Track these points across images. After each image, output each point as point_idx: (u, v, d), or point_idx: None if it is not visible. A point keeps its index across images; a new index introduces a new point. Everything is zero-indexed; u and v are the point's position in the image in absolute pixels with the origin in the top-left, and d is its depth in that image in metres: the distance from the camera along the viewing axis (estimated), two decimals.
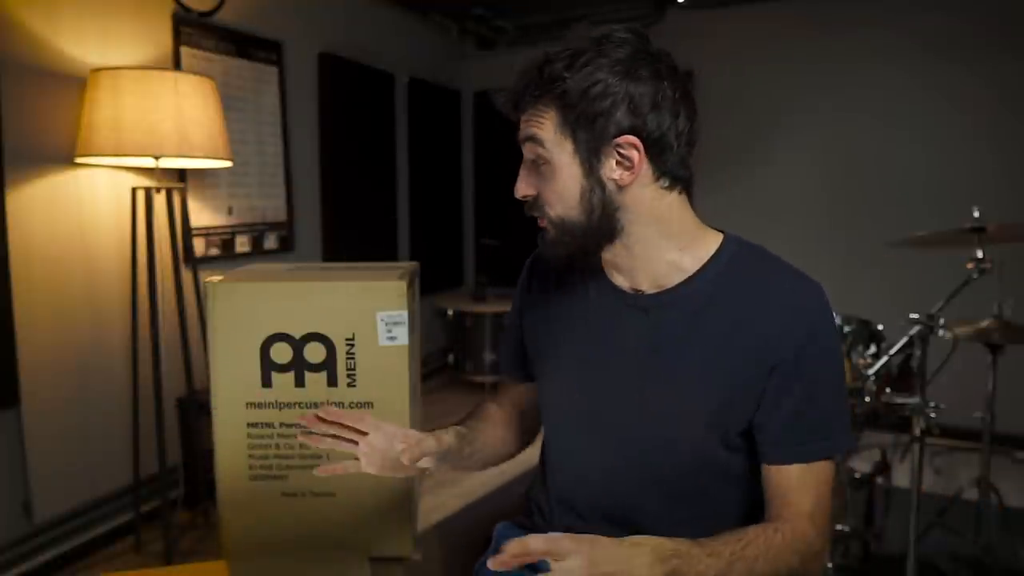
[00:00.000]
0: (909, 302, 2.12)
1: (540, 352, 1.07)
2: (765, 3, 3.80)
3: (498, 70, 4.64)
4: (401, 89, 4.06)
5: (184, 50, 2.67)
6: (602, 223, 0.89)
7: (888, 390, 1.98)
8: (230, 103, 2.75)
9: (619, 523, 0.97)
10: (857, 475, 2.22)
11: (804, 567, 0.86)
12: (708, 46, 4.00)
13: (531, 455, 1.18)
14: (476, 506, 1.31)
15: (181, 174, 2.68)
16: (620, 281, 0.97)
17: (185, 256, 2.47)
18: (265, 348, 1.18)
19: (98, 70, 2.11)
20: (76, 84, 2.24)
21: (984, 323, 2.17)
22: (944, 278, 1.97)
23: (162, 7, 2.59)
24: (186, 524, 2.55)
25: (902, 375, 2.02)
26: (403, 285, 1.17)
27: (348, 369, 1.19)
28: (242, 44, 2.94)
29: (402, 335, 1.17)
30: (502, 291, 4.54)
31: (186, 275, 2.47)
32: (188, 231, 2.48)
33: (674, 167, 0.89)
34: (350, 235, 3.67)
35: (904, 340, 1.90)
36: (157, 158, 2.19)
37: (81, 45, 2.29)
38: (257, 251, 3.09)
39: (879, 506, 2.34)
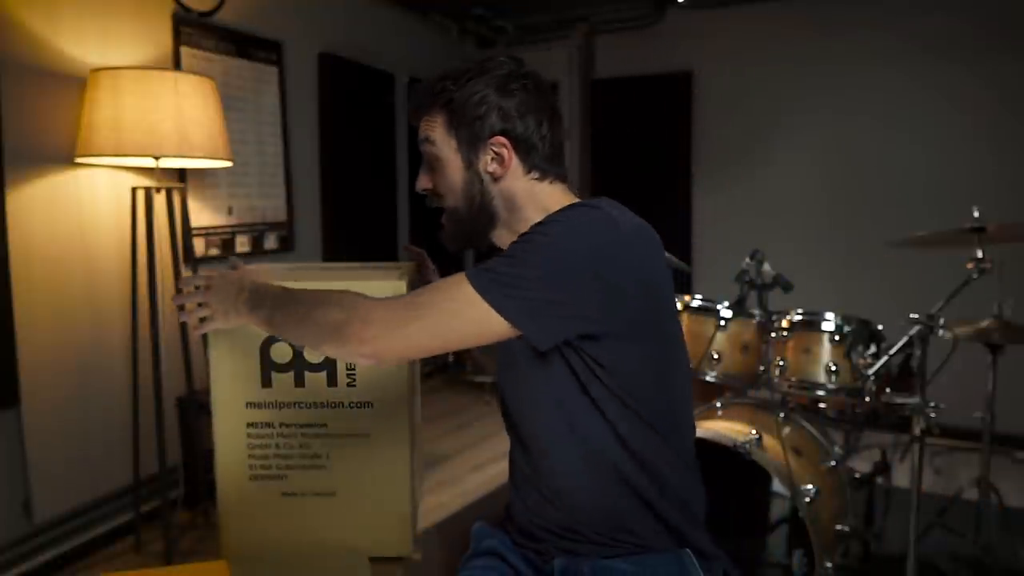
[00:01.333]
0: (909, 302, 2.12)
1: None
2: (765, 3, 3.80)
3: None
4: (401, 89, 4.06)
5: (184, 50, 2.67)
6: (482, 210, 1.06)
7: (888, 390, 1.98)
8: (230, 103, 2.75)
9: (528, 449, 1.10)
10: (857, 475, 2.22)
11: (340, 322, 0.93)
12: (708, 46, 4.00)
13: None
14: (476, 506, 1.31)
15: (181, 174, 2.68)
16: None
17: (185, 256, 2.47)
18: (265, 348, 1.18)
19: (98, 70, 2.11)
20: (76, 84, 2.24)
21: (984, 323, 2.18)
22: (944, 278, 1.96)
23: (162, 7, 2.59)
24: (186, 524, 2.55)
25: (902, 375, 2.02)
26: (403, 285, 1.17)
27: (348, 369, 1.19)
28: (242, 44, 2.94)
29: None
30: None
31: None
32: (188, 231, 2.48)
33: (541, 163, 1.05)
34: (350, 235, 3.67)
35: (904, 340, 1.90)
36: (157, 158, 2.19)
37: (81, 45, 2.29)
38: (257, 251, 3.09)
39: (879, 506, 2.34)
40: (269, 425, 1.20)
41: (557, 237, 0.92)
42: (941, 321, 1.83)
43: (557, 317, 0.91)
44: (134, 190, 2.33)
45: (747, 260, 2.05)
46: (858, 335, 2.05)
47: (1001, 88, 3.33)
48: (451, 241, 1.13)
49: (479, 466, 3.13)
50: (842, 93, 3.68)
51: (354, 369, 1.19)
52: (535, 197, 1.06)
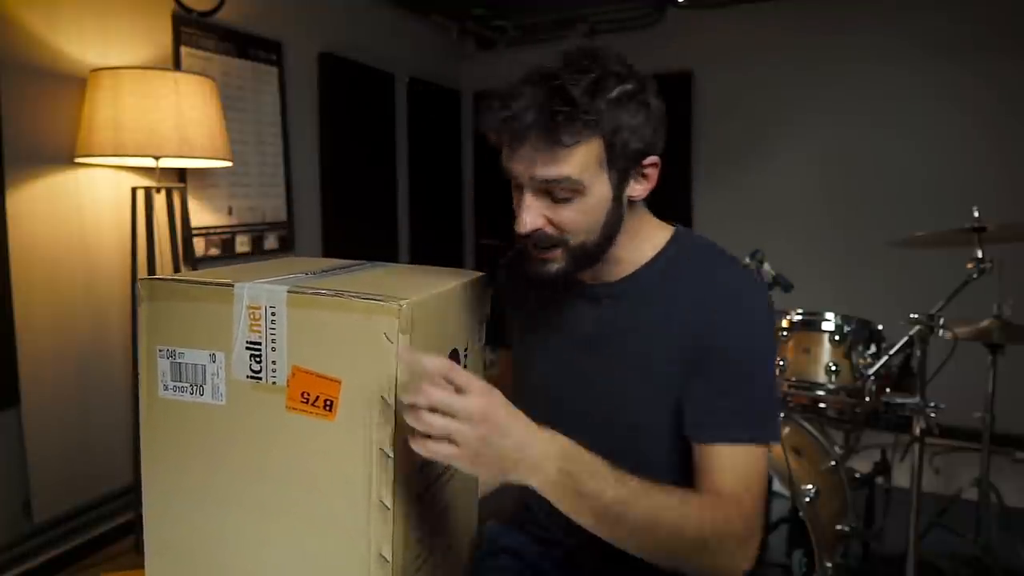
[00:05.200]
0: (909, 302, 2.11)
1: (515, 341, 1.13)
2: (765, 3, 3.80)
3: (498, 70, 4.65)
4: (401, 89, 4.06)
5: (184, 50, 2.67)
6: (613, 238, 0.93)
7: (888, 390, 1.98)
8: (230, 103, 2.75)
9: None
10: (857, 475, 2.22)
11: (720, 544, 0.83)
12: (708, 46, 4.00)
13: None
14: (482, 503, 1.30)
15: (181, 174, 2.68)
16: (581, 274, 1.00)
17: (185, 256, 2.47)
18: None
19: (98, 70, 2.11)
20: (76, 84, 2.23)
21: (984, 323, 2.18)
22: (944, 278, 1.97)
23: (162, 7, 2.59)
24: None
25: (902, 375, 2.02)
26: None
27: None
28: (242, 44, 2.94)
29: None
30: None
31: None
32: (188, 231, 2.48)
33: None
34: (350, 235, 3.67)
35: (904, 340, 1.90)
36: (157, 158, 2.19)
37: (81, 45, 2.28)
38: (257, 251, 3.09)
39: (879, 506, 2.34)
40: (427, 490, 0.90)
41: (764, 334, 0.93)
42: (941, 321, 1.83)
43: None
44: (134, 190, 2.33)
45: (747, 260, 2.05)
46: (858, 335, 2.05)
47: (1001, 88, 3.33)
48: (560, 278, 0.93)
49: None
50: (842, 93, 3.68)
51: None
52: (636, 221, 0.97)
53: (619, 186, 0.90)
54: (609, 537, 0.80)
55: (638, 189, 0.92)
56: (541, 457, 0.76)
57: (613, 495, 0.78)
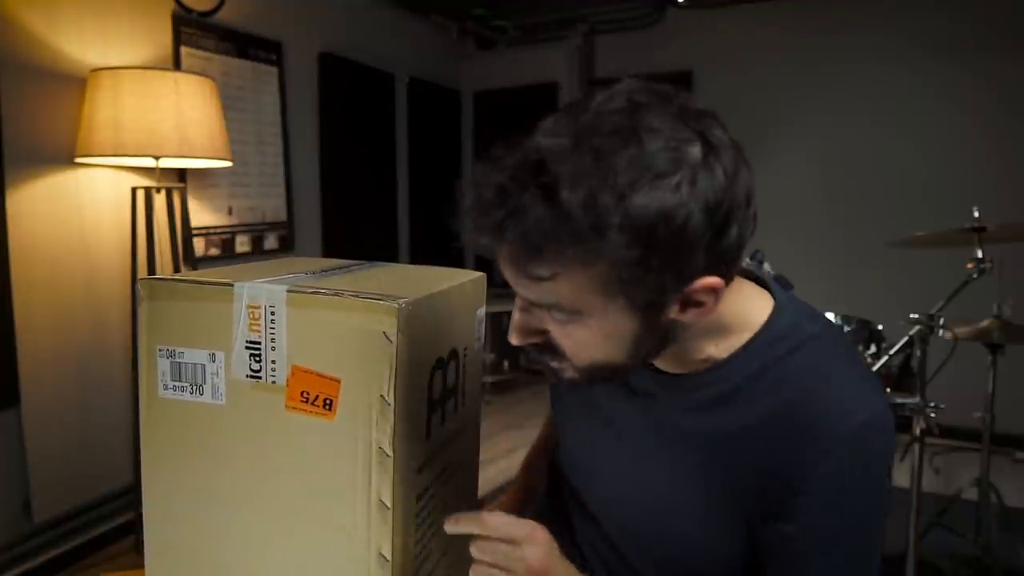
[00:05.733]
0: (909, 302, 2.12)
1: (559, 415, 1.01)
2: (765, 3, 3.80)
3: (498, 70, 4.66)
4: (401, 89, 4.06)
5: (184, 50, 2.67)
6: (650, 355, 0.71)
7: (888, 390, 1.98)
8: (230, 103, 2.75)
9: None
10: None
11: None
12: (708, 46, 4.00)
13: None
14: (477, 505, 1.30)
15: (181, 174, 2.68)
16: None
17: (185, 256, 2.47)
18: (431, 380, 1.04)
19: (98, 70, 2.11)
20: (76, 84, 2.23)
21: (984, 323, 2.18)
22: (944, 278, 1.97)
23: (162, 7, 2.59)
24: None
25: (902, 375, 2.02)
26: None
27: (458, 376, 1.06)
28: (242, 44, 2.94)
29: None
30: (501, 291, 4.53)
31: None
32: (188, 231, 2.48)
33: (732, 272, 0.66)
34: (350, 235, 3.67)
35: (904, 340, 1.90)
36: (157, 158, 2.19)
37: (81, 45, 2.28)
38: (257, 251, 3.09)
39: None
40: (427, 490, 0.87)
41: (879, 484, 0.69)
42: (941, 321, 1.83)
43: None
44: (134, 190, 2.33)
45: (747, 260, 2.05)
46: (858, 335, 2.05)
47: (1001, 88, 3.33)
48: (577, 385, 0.74)
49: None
50: (842, 93, 3.68)
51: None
52: (717, 318, 0.70)
53: (647, 315, 0.64)
54: None
55: (688, 315, 0.65)
56: None
57: None
